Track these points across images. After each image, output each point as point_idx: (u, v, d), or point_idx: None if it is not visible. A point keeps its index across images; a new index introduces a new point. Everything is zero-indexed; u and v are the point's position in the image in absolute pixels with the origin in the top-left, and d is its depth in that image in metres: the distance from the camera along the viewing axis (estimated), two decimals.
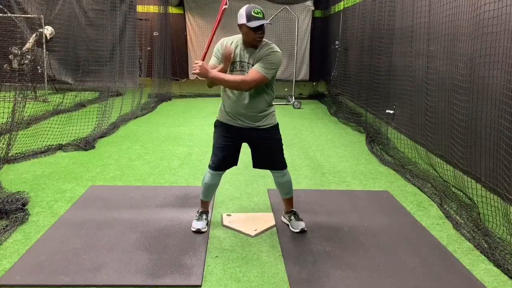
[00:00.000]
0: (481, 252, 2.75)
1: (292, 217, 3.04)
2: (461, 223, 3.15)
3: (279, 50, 2.67)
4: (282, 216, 3.15)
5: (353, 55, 8.58)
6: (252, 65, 2.63)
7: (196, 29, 12.89)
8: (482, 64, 3.65)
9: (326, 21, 11.91)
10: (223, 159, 2.85)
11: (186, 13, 12.93)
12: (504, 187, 3.29)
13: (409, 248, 2.78)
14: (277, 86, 2.92)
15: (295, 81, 9.65)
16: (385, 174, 4.38)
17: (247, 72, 2.65)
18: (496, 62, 3.48)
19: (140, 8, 11.57)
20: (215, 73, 2.61)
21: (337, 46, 9.56)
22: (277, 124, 2.87)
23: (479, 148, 3.79)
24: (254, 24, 2.50)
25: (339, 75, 9.49)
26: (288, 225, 3.05)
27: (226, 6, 2.60)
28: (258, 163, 2.91)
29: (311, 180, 4.16)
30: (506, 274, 2.50)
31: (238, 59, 2.67)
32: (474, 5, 3.70)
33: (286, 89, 9.86)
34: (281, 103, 8.99)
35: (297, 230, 2.96)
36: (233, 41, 2.70)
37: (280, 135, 2.88)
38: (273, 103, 2.85)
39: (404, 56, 5.89)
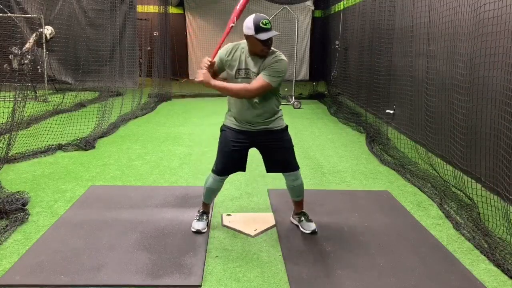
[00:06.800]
0: (481, 252, 2.75)
1: (303, 218, 3.02)
2: (461, 223, 3.15)
3: (285, 58, 2.64)
4: (291, 217, 3.13)
5: (353, 55, 8.58)
6: (257, 74, 2.61)
7: (196, 29, 12.88)
8: (482, 64, 3.65)
9: (326, 21, 11.90)
10: (229, 164, 2.82)
11: (186, 13, 12.92)
12: (504, 187, 3.28)
13: (409, 248, 2.78)
14: None
15: (295, 81, 9.64)
16: (385, 174, 4.38)
17: (252, 80, 2.63)
18: (496, 62, 3.48)
19: (140, 8, 11.56)
20: (217, 82, 2.61)
21: (337, 46, 9.55)
22: (287, 126, 2.88)
23: (479, 148, 3.79)
24: (263, 36, 2.47)
25: (339, 75, 9.49)
26: (298, 226, 3.04)
27: (233, 24, 2.58)
28: (271, 166, 2.88)
29: (311, 180, 4.15)
30: (506, 274, 2.50)
31: (243, 66, 2.65)
32: (474, 5, 3.70)
33: (286, 89, 9.84)
34: (281, 103, 8.97)
35: (308, 231, 2.95)
36: (238, 48, 2.68)
37: (290, 136, 2.88)
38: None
39: (404, 56, 5.89)
